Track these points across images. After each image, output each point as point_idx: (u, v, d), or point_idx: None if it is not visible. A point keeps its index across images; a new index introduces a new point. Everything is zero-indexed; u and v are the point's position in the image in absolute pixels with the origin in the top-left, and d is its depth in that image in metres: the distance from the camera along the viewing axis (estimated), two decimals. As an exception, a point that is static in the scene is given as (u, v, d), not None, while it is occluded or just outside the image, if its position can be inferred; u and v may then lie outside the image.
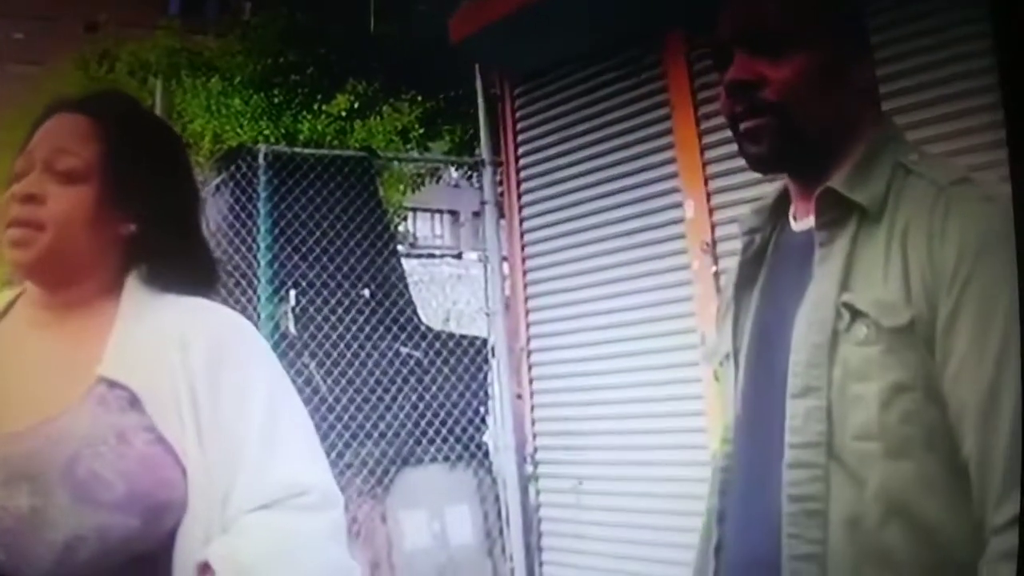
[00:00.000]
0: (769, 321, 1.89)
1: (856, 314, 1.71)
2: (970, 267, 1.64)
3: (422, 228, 20.60)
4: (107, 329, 1.86)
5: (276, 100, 9.00)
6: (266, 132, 8.99)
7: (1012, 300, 1.59)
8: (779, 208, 1.99)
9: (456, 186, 11.12)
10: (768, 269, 1.97)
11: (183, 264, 1.96)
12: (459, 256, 9.48)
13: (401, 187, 9.65)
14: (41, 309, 1.91)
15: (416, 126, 8.93)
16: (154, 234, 1.91)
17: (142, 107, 2.15)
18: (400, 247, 9.08)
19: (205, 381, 1.80)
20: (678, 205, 5.66)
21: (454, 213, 21.15)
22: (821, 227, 1.81)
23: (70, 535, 1.64)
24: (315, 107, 8.98)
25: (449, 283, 8.94)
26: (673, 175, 5.68)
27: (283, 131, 9.02)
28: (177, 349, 1.81)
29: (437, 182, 10.37)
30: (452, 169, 9.97)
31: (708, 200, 5.46)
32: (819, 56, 1.81)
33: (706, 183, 5.46)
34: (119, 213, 1.89)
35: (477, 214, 7.61)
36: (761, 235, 2.00)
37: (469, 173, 7.69)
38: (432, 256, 9.36)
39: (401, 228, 11.23)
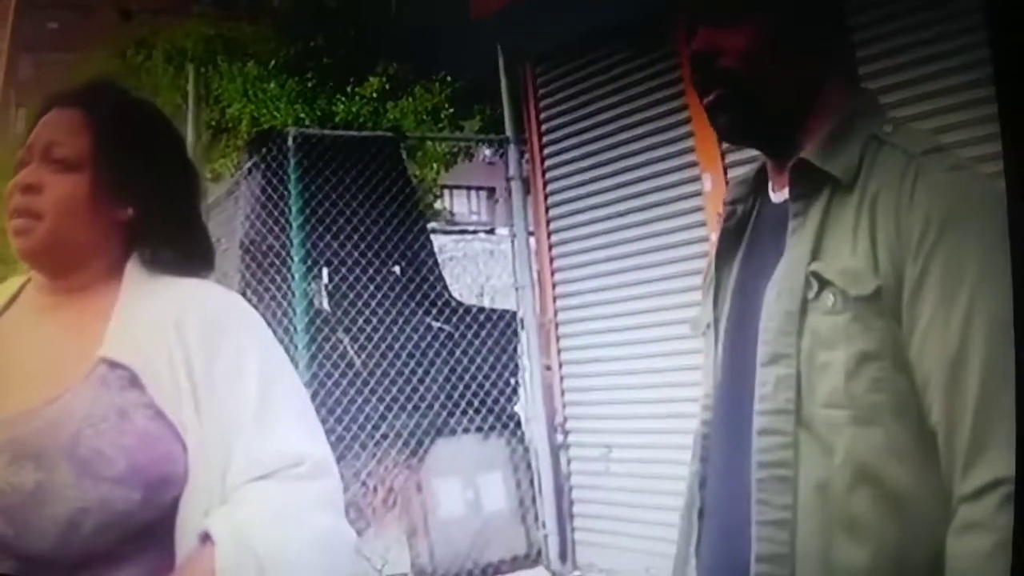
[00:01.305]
0: (747, 291, 1.90)
1: (824, 283, 1.71)
2: (936, 235, 1.64)
3: (459, 205, 20.64)
4: (108, 312, 1.92)
5: (310, 83, 9.07)
6: (302, 115, 9.04)
7: (978, 268, 1.60)
8: (761, 180, 1.99)
9: (491, 163, 11.19)
10: (748, 240, 1.98)
11: (180, 246, 2.03)
12: (492, 232, 9.54)
13: (435, 165, 9.71)
14: (46, 295, 1.99)
15: (446, 106, 8.99)
16: (151, 218, 1.98)
17: (133, 95, 2.19)
18: (435, 224, 9.18)
19: (201, 358, 1.86)
20: (696, 179, 5.73)
21: (490, 190, 21.12)
22: (795, 198, 1.81)
23: (74, 509, 1.71)
24: (348, 89, 9.04)
25: (482, 259, 9.01)
26: (690, 149, 5.75)
27: (319, 113, 9.07)
28: (174, 328, 1.87)
29: (470, 160, 10.43)
30: (486, 147, 10.03)
31: (725, 174, 5.50)
32: (776, 22, 1.81)
33: (723, 157, 5.51)
34: (116, 199, 1.96)
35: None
36: (743, 207, 2.00)
37: (501, 151, 7.79)
38: (465, 232, 9.43)
39: (438, 205, 11.29)
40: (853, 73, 1.93)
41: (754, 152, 2.02)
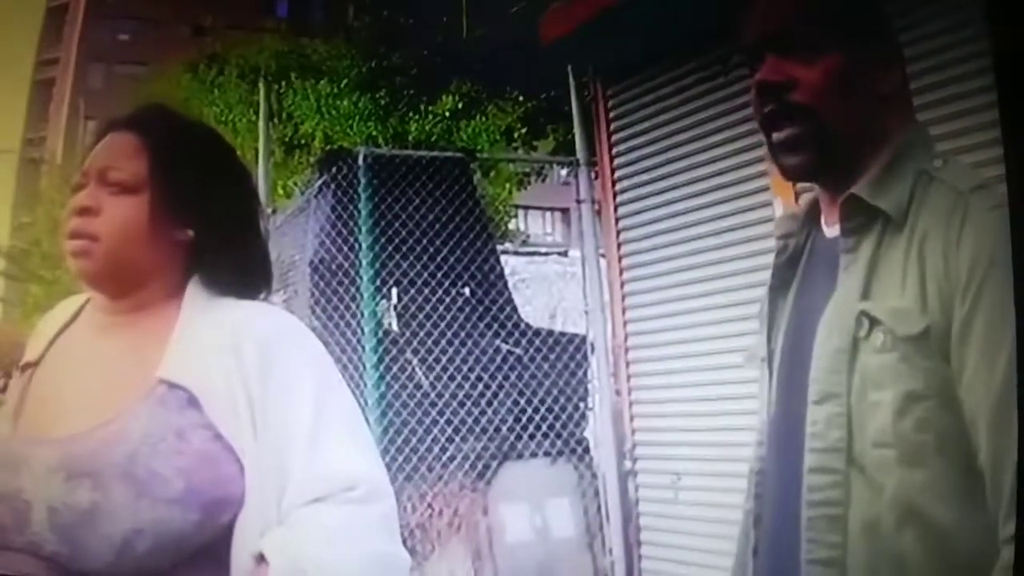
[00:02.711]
0: (801, 326, 1.89)
1: (874, 322, 1.71)
2: (983, 274, 1.64)
3: (533, 225, 20.75)
4: (168, 333, 1.93)
5: (383, 101, 9.10)
6: (375, 133, 9.08)
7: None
8: (814, 213, 1.97)
9: (565, 184, 11.23)
10: (802, 274, 1.96)
11: (239, 268, 2.03)
12: (565, 254, 9.52)
13: (508, 185, 9.73)
14: (106, 314, 2.00)
15: (519, 125, 8.98)
16: (210, 240, 1.99)
17: (189, 119, 2.23)
18: (507, 245, 9.16)
19: (257, 381, 1.86)
20: (768, 204, 5.65)
21: (564, 210, 21.21)
22: (846, 234, 1.81)
23: (129, 529, 1.73)
24: (421, 107, 9.07)
25: (555, 281, 8.97)
26: (762, 174, 5.67)
27: (392, 131, 9.11)
28: (231, 351, 1.88)
29: (543, 181, 10.45)
30: (560, 167, 10.03)
31: (796, 199, 5.43)
32: (848, 58, 1.80)
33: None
34: (174, 221, 1.97)
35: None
36: (795, 240, 1.99)
37: (573, 172, 7.78)
38: (537, 254, 9.41)
39: (512, 225, 11.31)
40: (908, 107, 1.92)
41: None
